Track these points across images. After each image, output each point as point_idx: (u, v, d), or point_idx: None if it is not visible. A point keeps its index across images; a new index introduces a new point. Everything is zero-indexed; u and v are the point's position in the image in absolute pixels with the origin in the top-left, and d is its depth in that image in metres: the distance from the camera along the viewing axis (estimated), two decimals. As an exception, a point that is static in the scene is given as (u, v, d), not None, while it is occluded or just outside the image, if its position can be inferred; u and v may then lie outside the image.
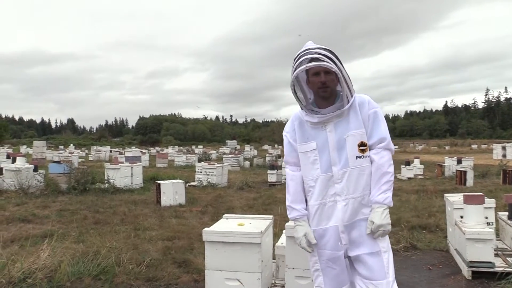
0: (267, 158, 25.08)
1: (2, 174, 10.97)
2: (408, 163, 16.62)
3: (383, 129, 2.29)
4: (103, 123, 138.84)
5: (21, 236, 5.83)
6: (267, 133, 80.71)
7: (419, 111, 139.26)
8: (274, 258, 3.79)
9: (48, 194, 9.99)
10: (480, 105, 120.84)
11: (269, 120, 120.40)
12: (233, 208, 8.50)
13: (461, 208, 4.58)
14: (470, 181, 12.43)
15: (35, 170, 11.33)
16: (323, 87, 2.23)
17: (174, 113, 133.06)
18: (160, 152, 34.43)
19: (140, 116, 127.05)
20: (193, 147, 53.15)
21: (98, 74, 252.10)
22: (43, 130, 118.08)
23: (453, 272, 4.49)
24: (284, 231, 3.58)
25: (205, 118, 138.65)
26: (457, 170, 13.52)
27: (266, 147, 52.22)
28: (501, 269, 4.13)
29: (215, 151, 35.60)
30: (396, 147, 49.22)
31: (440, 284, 4.18)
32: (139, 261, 4.50)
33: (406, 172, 15.97)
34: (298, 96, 2.34)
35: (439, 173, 16.47)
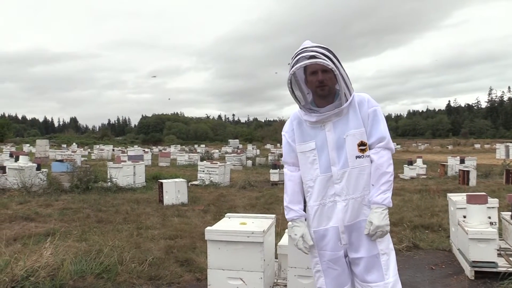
0: (270, 157, 25.08)
1: (5, 172, 11.01)
2: (410, 163, 16.58)
3: (383, 128, 2.27)
4: (106, 122, 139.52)
5: (24, 234, 5.85)
6: (270, 132, 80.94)
7: (422, 111, 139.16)
8: (276, 257, 3.79)
9: (51, 193, 10.01)
10: (483, 104, 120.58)
11: (272, 120, 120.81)
12: (235, 207, 8.50)
13: (464, 208, 4.56)
14: (473, 181, 12.39)
15: (38, 168, 11.36)
16: (320, 86, 2.21)
17: (177, 112, 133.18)
18: (163, 151, 34.49)
19: (142, 115, 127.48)
20: (196, 146, 53.14)
21: (100, 73, 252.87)
22: (46, 129, 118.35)
23: (455, 272, 4.48)
24: (286, 230, 3.58)
25: (208, 117, 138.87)
26: (460, 170, 13.48)
27: (268, 146, 52.19)
28: (504, 269, 4.12)
29: (217, 150, 35.55)
30: (399, 146, 49.16)
31: (443, 284, 4.17)
32: (141, 260, 4.50)
33: (409, 172, 15.93)
34: (297, 95, 2.33)
35: (442, 173, 16.43)
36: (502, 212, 5.27)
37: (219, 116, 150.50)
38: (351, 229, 2.25)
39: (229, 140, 66.78)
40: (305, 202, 2.42)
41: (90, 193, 10.21)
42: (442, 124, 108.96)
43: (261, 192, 11.04)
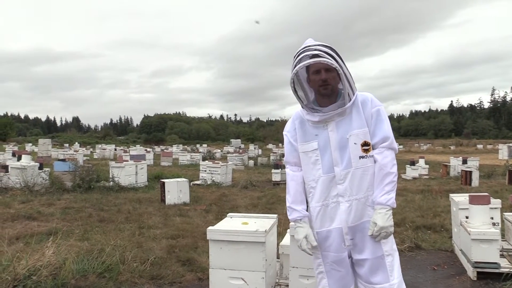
0: (271, 157, 25.09)
1: (7, 171, 11.04)
2: (413, 163, 16.56)
3: (386, 128, 2.24)
4: (108, 121, 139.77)
5: (26, 233, 5.86)
6: (272, 132, 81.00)
7: (424, 111, 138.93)
8: (278, 257, 3.79)
9: (53, 192, 10.03)
10: (486, 105, 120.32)
11: (274, 119, 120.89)
12: (237, 207, 8.50)
13: (467, 209, 4.55)
14: (475, 181, 12.36)
15: (41, 168, 11.39)
16: (323, 85, 2.19)
17: (179, 112, 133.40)
18: (165, 150, 34.54)
19: (144, 115, 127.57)
20: (198, 146, 53.16)
21: (103, 73, 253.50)
22: (48, 128, 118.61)
23: (458, 272, 4.47)
24: (288, 230, 3.57)
25: (210, 117, 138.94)
26: (462, 170, 13.45)
27: (270, 146, 52.17)
28: (507, 270, 4.11)
29: (219, 150, 35.59)
30: (401, 146, 49.06)
31: (445, 284, 4.16)
32: (143, 259, 4.50)
33: (411, 172, 15.91)
34: (299, 94, 2.30)
35: (444, 173, 16.40)
36: (504, 213, 5.25)
37: (221, 116, 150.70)
38: (355, 230, 2.23)
39: (231, 140, 66.82)
40: (307, 202, 2.40)
41: (92, 193, 10.23)
42: (444, 125, 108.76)
43: (263, 192, 11.03)
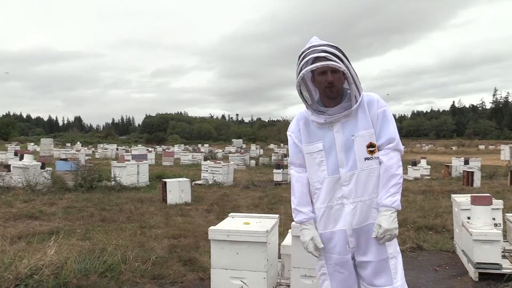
0: (273, 157, 25.08)
1: (10, 171, 11.07)
2: (414, 163, 16.53)
3: (392, 129, 2.22)
4: (110, 121, 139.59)
5: (28, 232, 5.87)
6: (273, 132, 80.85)
7: (426, 111, 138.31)
8: (279, 257, 3.79)
9: (55, 191, 10.05)
10: (488, 105, 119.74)
11: (275, 119, 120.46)
12: (238, 207, 8.50)
13: (468, 209, 4.54)
14: (477, 182, 12.34)
15: (43, 167, 11.42)
16: (330, 87, 2.15)
17: (180, 112, 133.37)
18: (166, 150, 34.56)
19: (146, 115, 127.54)
20: (199, 145, 53.17)
21: (104, 72, 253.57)
22: (50, 128, 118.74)
23: (459, 273, 4.46)
24: (290, 230, 3.57)
25: (211, 116, 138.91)
26: (464, 171, 13.43)
27: (272, 146, 52.13)
28: (509, 270, 4.10)
29: (221, 150, 35.58)
30: (403, 147, 48.97)
31: (447, 285, 4.15)
32: (145, 259, 4.51)
33: (413, 173, 15.89)
34: (304, 95, 2.26)
35: (446, 174, 16.37)
36: (506, 214, 5.25)
37: (223, 116, 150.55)
38: (359, 232, 2.21)
39: (233, 140, 66.83)
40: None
41: (94, 192, 10.25)
42: (446, 125, 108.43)
43: (264, 192, 11.04)
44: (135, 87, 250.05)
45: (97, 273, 4.06)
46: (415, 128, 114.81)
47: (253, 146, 43.19)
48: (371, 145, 2.20)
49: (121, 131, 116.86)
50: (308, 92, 2.29)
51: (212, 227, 3.26)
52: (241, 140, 66.56)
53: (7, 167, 11.46)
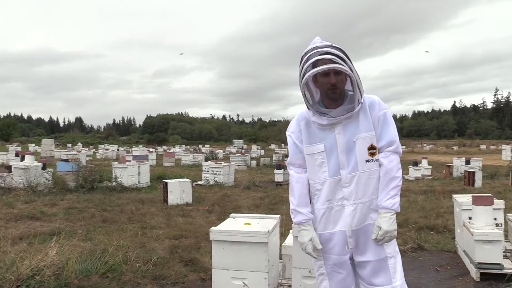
0: (274, 158, 25.06)
1: (11, 172, 11.08)
2: (416, 164, 16.51)
3: (393, 132, 2.23)
4: (111, 121, 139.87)
5: (30, 233, 5.88)
6: (274, 132, 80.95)
7: (427, 111, 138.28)
8: (280, 258, 3.79)
9: (56, 192, 10.06)
10: (489, 105, 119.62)
11: (276, 120, 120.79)
12: (239, 208, 8.50)
13: (470, 209, 4.54)
14: (478, 182, 12.32)
15: (44, 168, 11.43)
16: (332, 89, 2.15)
17: (181, 112, 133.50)
18: (167, 151, 34.56)
19: (147, 115, 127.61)
20: (200, 146, 53.23)
21: (105, 73, 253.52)
22: (51, 129, 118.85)
23: (461, 273, 4.45)
24: (291, 231, 3.58)
25: (212, 117, 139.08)
26: (465, 171, 13.42)
27: (272, 146, 52.18)
28: (510, 270, 4.10)
29: (222, 150, 35.63)
30: (404, 147, 48.95)
31: (448, 285, 4.15)
32: (146, 260, 4.51)
33: (414, 173, 15.87)
34: (306, 95, 2.25)
35: (447, 174, 16.36)
36: (508, 214, 5.24)
37: (224, 116, 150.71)
38: (358, 233, 2.22)
39: (234, 140, 66.92)
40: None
41: (95, 193, 10.25)
42: (447, 125, 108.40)
43: (265, 193, 11.04)
44: (136, 87, 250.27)
45: (99, 273, 4.07)
46: (416, 128, 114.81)
47: (254, 147, 43.24)
48: (372, 147, 2.21)
49: (122, 131, 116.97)
50: (309, 93, 2.27)
51: (213, 228, 3.26)
52: (242, 140, 66.65)
53: (8, 168, 11.48)
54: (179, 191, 9.07)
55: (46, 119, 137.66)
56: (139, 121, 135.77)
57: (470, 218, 4.51)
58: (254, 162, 24.10)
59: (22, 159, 12.47)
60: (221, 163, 13.91)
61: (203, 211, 8.12)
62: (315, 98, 2.29)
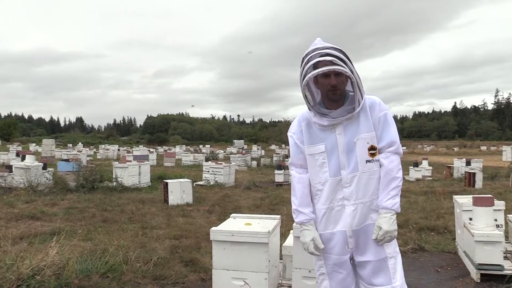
0: (274, 158, 25.08)
1: (11, 171, 11.09)
2: (416, 164, 16.51)
3: (393, 133, 2.25)
4: (111, 121, 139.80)
5: (30, 233, 5.88)
6: (275, 133, 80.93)
7: (428, 112, 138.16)
8: (281, 258, 3.79)
9: (56, 192, 10.07)
10: (490, 106, 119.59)
11: (277, 120, 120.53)
12: (240, 208, 8.50)
13: (470, 210, 4.54)
14: (479, 183, 12.32)
15: (44, 168, 11.44)
16: (333, 90, 2.17)
17: (182, 113, 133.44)
18: (168, 151, 34.56)
19: (148, 115, 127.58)
20: (201, 146, 53.24)
21: (106, 73, 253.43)
22: (52, 129, 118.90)
23: (461, 274, 4.45)
24: (291, 231, 3.58)
25: (213, 117, 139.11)
26: (466, 172, 13.41)
27: (273, 147, 52.18)
28: (510, 272, 4.10)
29: (222, 151, 35.66)
30: (404, 148, 48.95)
31: (448, 286, 4.15)
32: (146, 260, 4.51)
33: (414, 173, 15.87)
34: (308, 98, 2.27)
35: (448, 175, 16.35)
36: (508, 215, 5.24)
37: (224, 117, 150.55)
38: (358, 233, 2.23)
39: (234, 141, 66.92)
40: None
41: (95, 193, 10.26)
42: (448, 126, 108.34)
43: (266, 193, 11.04)
44: (136, 87, 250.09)
45: (99, 273, 4.07)
46: (417, 129, 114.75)
47: (254, 147, 43.24)
48: (372, 148, 2.22)
49: (122, 131, 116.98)
50: (310, 94, 2.29)
51: (213, 228, 3.26)
52: (242, 141, 66.63)
53: (9, 168, 11.48)
54: (179, 191, 9.08)
55: (47, 119, 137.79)
56: (140, 121, 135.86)
57: (470, 219, 4.51)
58: (254, 163, 24.11)
59: (23, 159, 12.48)
60: (221, 164, 13.91)
61: (203, 211, 8.12)
62: (316, 99, 2.31)
